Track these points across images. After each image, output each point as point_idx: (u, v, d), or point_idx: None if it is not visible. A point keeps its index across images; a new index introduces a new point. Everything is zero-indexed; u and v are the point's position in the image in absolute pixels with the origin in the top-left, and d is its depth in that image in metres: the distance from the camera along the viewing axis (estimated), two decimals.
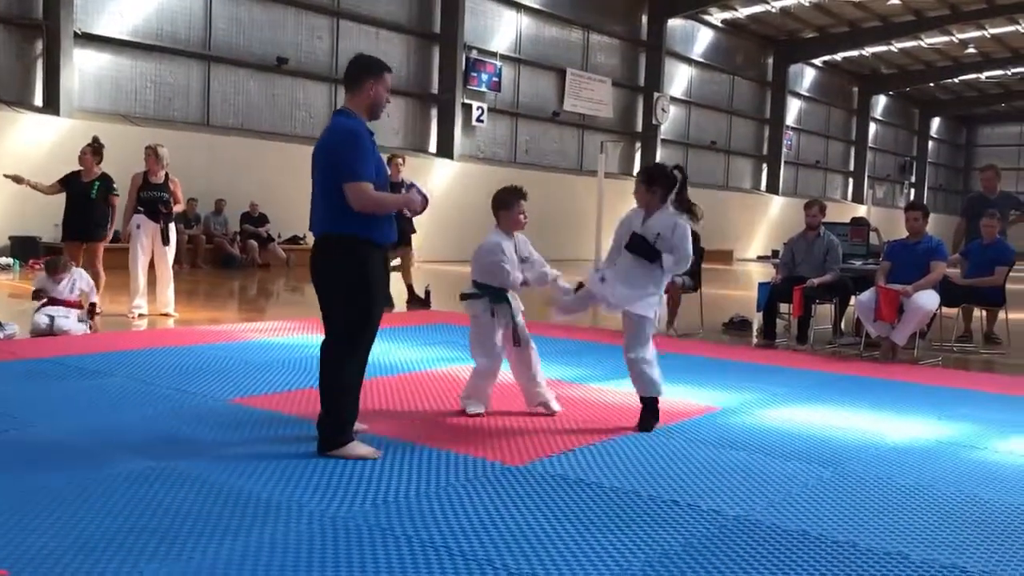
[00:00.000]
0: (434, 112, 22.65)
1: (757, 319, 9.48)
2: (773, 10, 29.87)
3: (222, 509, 3.38)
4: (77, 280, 7.94)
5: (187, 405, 5.12)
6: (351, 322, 4.16)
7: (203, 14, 17.96)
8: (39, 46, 15.76)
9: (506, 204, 5.12)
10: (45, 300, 7.75)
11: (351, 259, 4.13)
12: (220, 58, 18.23)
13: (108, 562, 2.86)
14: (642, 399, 5.05)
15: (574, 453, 4.41)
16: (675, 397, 5.91)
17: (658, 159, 29.00)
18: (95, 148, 8.81)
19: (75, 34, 15.81)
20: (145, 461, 3.97)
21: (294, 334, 8.09)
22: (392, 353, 7.17)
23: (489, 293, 5.07)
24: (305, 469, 3.97)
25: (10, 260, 14.15)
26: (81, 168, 8.80)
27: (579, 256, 24.60)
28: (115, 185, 8.85)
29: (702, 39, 31.03)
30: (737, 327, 9.96)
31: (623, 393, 5.98)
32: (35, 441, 4.25)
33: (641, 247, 4.93)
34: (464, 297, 5.18)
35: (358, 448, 4.16)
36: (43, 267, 8.14)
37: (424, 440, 4.50)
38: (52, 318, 7.56)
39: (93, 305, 8.11)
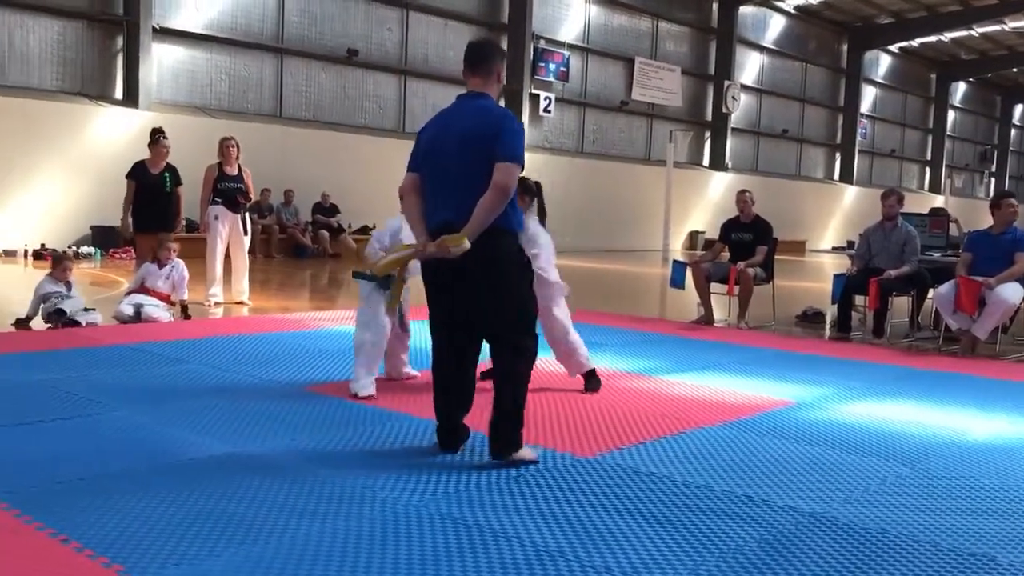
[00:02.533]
0: (502, 103, 22.64)
1: (831, 311, 9.28)
2: None
3: (297, 496, 3.43)
4: (173, 271, 8.12)
5: (263, 392, 5.22)
6: (527, 313, 3.97)
7: (276, 7, 18.24)
8: (120, 41, 16.19)
9: None
10: (130, 289, 7.97)
11: (514, 249, 3.93)
12: (292, 50, 18.51)
13: (188, 545, 2.92)
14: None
15: (644, 446, 4.38)
16: (747, 390, 5.83)
17: (728, 148, 28.63)
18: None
19: (154, 29, 16.20)
20: (222, 447, 4.06)
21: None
22: None
23: (374, 278, 5.16)
24: (378, 456, 4.01)
25: (92, 249, 14.60)
26: (147, 159, 8.70)
27: (647, 247, 24.43)
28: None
29: (774, 26, 30.46)
30: (810, 320, 9.77)
31: (692, 385, 5.92)
32: (116, 426, 4.38)
33: None
34: (356, 276, 5.46)
35: (528, 451, 4.00)
36: (129, 255, 8.33)
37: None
38: (139, 306, 7.76)
39: (185, 304, 8.21)
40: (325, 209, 17.74)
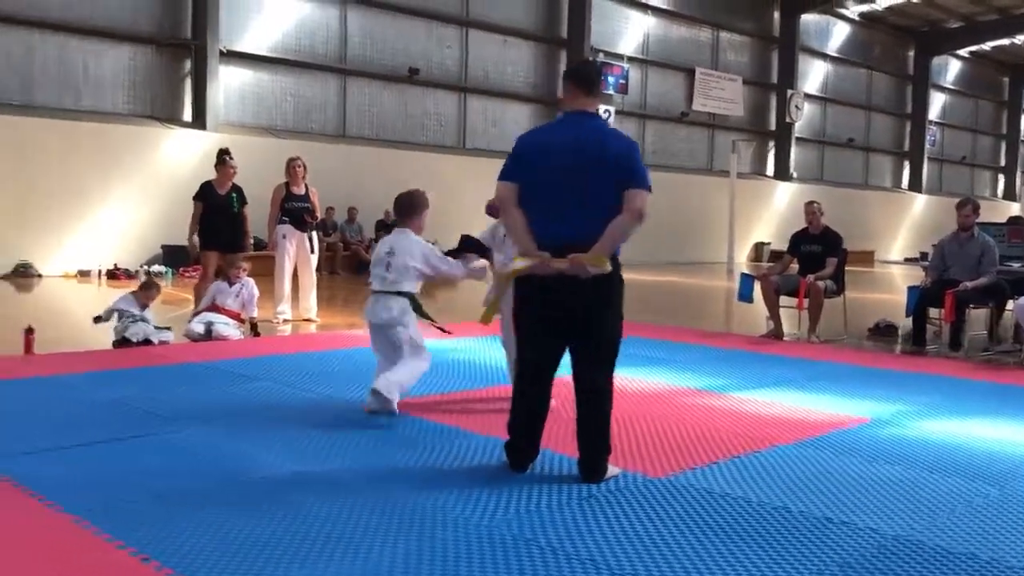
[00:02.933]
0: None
1: (905, 325, 9.04)
2: (915, 0, 28.57)
3: (369, 516, 3.42)
4: (243, 290, 8.26)
5: (332, 410, 5.24)
6: (617, 342, 4.00)
7: (339, 29, 18.53)
8: (188, 65, 16.60)
9: None
10: (201, 308, 8.13)
11: (619, 276, 3.96)
12: (355, 71, 18.77)
13: (263, 566, 2.93)
14: None
15: (718, 465, 4.29)
16: (821, 407, 5.69)
17: (793, 157, 28.22)
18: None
19: (221, 52, 16.57)
20: (293, 465, 4.08)
21: (429, 340, 8.19)
22: None
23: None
24: (446, 475, 3.99)
25: (163, 268, 14.94)
26: (214, 180, 8.78)
27: (710, 258, 24.16)
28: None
29: (838, 33, 29.99)
30: (883, 333, 9.52)
31: (763, 402, 5.80)
32: (189, 444, 4.43)
33: (473, 246, 5.29)
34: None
35: (613, 468, 4.04)
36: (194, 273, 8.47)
37: (562, 449, 4.45)
38: (210, 324, 7.90)
39: (255, 322, 8.32)
40: (388, 226, 17.85)
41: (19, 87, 14.81)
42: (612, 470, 4.01)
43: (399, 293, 5.13)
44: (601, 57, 22.92)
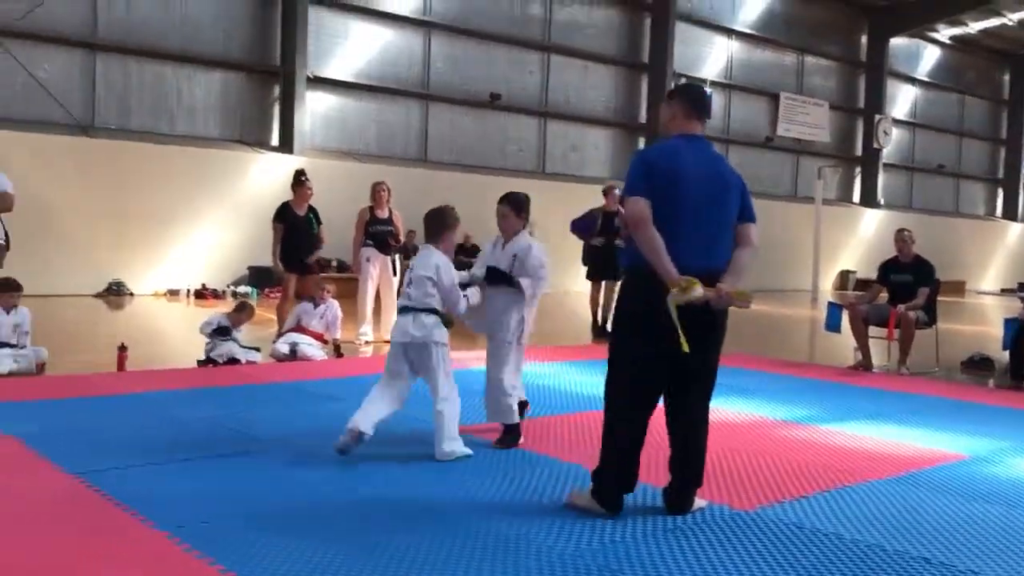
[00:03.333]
0: (642, 141, 22.57)
1: (1001, 358, 8.68)
2: (1010, 23, 27.73)
3: (452, 543, 3.40)
4: (328, 311, 8.39)
5: (413, 433, 5.23)
6: (716, 373, 3.95)
7: (422, 55, 18.81)
8: (276, 90, 17.03)
9: None
10: (286, 328, 8.28)
11: None
12: (437, 96, 19.01)
13: None
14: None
15: (807, 500, 4.15)
16: (915, 442, 5.49)
17: (880, 184, 27.56)
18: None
19: (308, 78, 16.97)
20: (375, 490, 4.09)
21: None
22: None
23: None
24: (531, 503, 3.95)
25: (248, 288, 15.28)
26: (291, 201, 8.83)
27: (793, 286, 23.68)
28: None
29: (928, 57, 29.28)
30: (977, 366, 9.16)
31: (853, 435, 5.62)
32: (275, 463, 4.47)
33: (499, 278, 5.06)
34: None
35: (700, 500, 3.98)
36: (283, 295, 8.60)
37: (647, 478, 4.37)
38: (295, 345, 8.03)
39: (338, 343, 8.44)
40: (467, 250, 17.99)
41: (116, 112, 15.40)
42: (698, 502, 3.93)
43: (428, 310, 4.81)
44: (683, 82, 22.77)
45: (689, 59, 23.04)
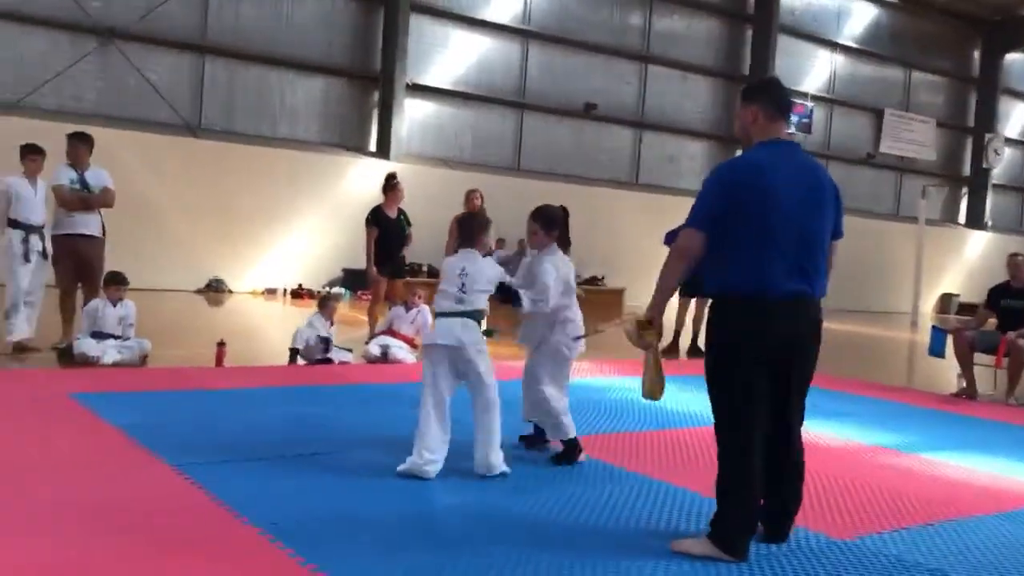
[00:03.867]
0: (739, 154, 22.18)
1: None
2: None
3: (520, 552, 3.36)
4: (419, 316, 8.48)
5: (505, 440, 5.20)
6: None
7: (519, 64, 18.90)
8: (375, 96, 17.33)
9: None
10: (379, 331, 8.38)
11: None
12: (533, 105, 19.06)
13: None
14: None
15: (909, 532, 3.98)
16: (1023, 477, 5.22)
17: (988, 205, 26.53)
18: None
19: (407, 85, 17.22)
20: (460, 497, 4.07)
21: (599, 375, 8.11)
22: (696, 403, 6.96)
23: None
24: (609, 520, 3.88)
25: (341, 290, 15.56)
26: (382, 203, 8.89)
27: (892, 308, 22.96)
28: None
29: None
30: None
31: (958, 466, 5.38)
32: (363, 465, 4.49)
33: (503, 292, 4.88)
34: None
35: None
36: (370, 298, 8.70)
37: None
38: (386, 347, 8.12)
39: None
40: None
41: (221, 114, 15.89)
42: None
43: (474, 314, 4.70)
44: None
45: (790, 72, 22.57)
